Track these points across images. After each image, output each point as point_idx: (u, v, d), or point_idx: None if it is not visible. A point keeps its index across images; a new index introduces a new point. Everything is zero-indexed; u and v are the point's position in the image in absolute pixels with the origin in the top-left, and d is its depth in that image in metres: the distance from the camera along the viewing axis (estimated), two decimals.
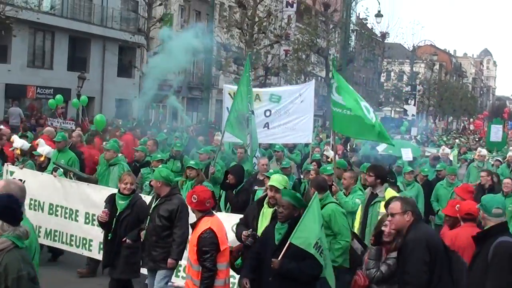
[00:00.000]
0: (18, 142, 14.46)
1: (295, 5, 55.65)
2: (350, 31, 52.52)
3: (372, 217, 10.19)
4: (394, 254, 7.66)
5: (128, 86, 42.04)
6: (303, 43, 49.46)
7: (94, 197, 12.06)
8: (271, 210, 8.70)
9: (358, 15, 65.15)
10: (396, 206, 7.44)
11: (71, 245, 12.58)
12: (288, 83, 53.28)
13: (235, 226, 9.56)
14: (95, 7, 44.66)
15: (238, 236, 8.93)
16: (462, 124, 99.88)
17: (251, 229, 8.74)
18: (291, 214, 8.05)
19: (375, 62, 70.47)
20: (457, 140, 40.69)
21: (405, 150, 21.46)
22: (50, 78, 40.72)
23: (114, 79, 45.03)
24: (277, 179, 8.90)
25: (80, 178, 13.05)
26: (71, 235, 12.53)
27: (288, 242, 7.76)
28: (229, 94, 17.03)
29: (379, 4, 75.17)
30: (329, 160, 17.00)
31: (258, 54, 41.81)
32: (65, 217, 12.60)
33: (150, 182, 12.12)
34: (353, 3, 53.89)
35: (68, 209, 12.59)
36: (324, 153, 18.65)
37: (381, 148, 21.35)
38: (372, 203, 10.41)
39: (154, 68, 26.71)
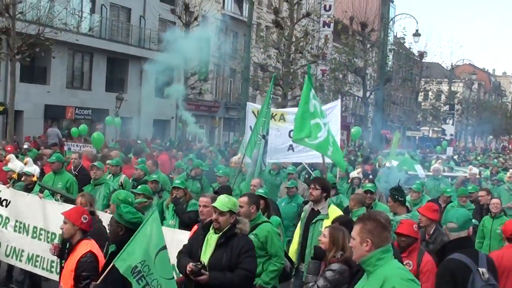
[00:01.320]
0: (16, 166, 13.80)
1: (332, 25, 55.63)
2: (388, 51, 52.26)
3: (314, 236, 9.44)
4: (334, 266, 7.31)
5: (165, 106, 42.13)
6: (340, 63, 49.35)
7: None
8: (216, 236, 7.66)
9: (395, 34, 64.97)
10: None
11: (51, 272, 11.39)
12: (325, 103, 53.08)
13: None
14: (132, 28, 45.02)
15: (181, 267, 7.74)
16: (502, 144, 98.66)
17: (199, 262, 7.56)
18: (115, 232, 7.44)
19: (412, 81, 70.06)
20: (495, 160, 40.03)
21: (418, 166, 20.95)
22: (89, 99, 41.07)
23: (151, 99, 45.30)
24: (221, 200, 7.76)
25: (67, 200, 11.99)
26: (52, 261, 11.31)
27: (111, 264, 7.08)
28: (253, 112, 16.51)
29: (417, 23, 74.82)
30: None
31: (295, 74, 41.73)
32: (48, 241, 11.47)
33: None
34: (391, 23, 53.78)
35: (51, 233, 11.51)
36: (350, 174, 18.23)
37: (394, 164, 20.85)
38: (314, 221, 9.64)
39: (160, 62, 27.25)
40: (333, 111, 16.45)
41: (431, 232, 9.53)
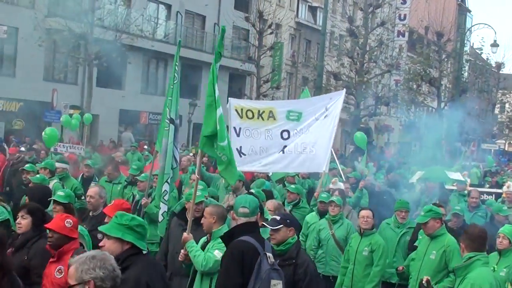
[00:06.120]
0: None
1: (406, 34, 55.00)
2: (464, 61, 51.34)
3: None
4: None
5: None
6: (415, 73, 48.72)
7: None
8: None
9: (472, 44, 63.80)
10: None
11: None
12: (398, 113, 52.53)
13: None
14: (207, 35, 45.44)
15: None
16: None
17: None
18: None
19: (489, 93, 68.65)
20: None
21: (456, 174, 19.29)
22: (162, 104, 41.44)
23: (224, 106, 45.55)
24: None
25: None
26: None
27: None
28: (236, 110, 13.65)
29: (495, 33, 73.19)
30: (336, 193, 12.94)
31: (368, 83, 41.38)
32: None
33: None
34: (468, 33, 52.81)
35: None
36: (331, 186, 14.53)
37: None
38: None
39: None
40: (335, 103, 13.43)
41: None
